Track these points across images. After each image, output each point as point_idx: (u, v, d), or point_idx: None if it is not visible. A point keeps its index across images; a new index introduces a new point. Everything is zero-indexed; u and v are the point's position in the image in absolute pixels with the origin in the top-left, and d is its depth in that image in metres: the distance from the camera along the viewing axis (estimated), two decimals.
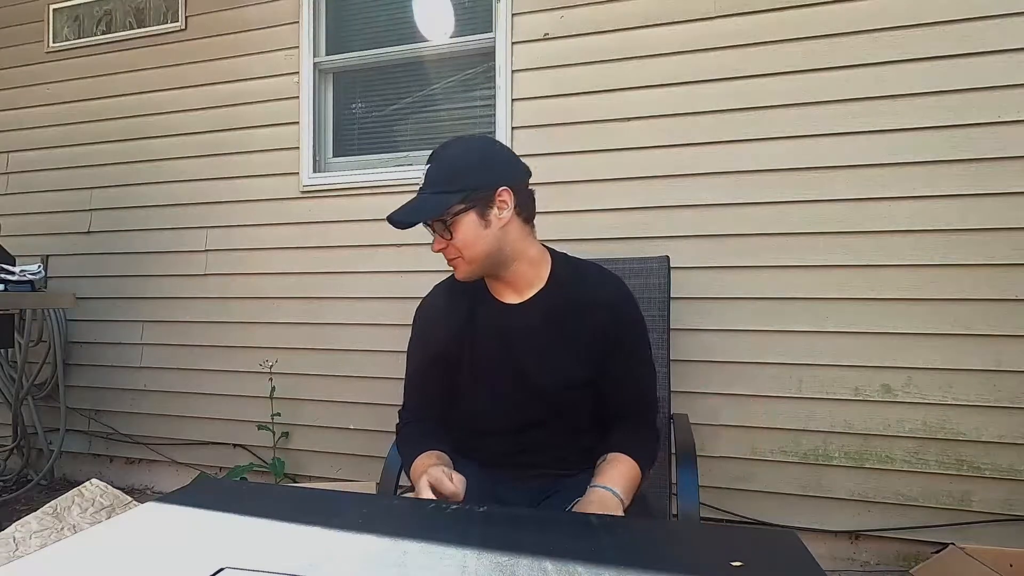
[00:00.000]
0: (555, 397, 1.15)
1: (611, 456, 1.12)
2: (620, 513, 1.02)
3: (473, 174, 1.10)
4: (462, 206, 1.09)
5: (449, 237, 1.11)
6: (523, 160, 1.20)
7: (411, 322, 1.32)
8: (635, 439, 1.15)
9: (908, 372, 1.87)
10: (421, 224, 1.13)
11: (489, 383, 1.19)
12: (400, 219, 1.10)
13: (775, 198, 1.97)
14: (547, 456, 1.19)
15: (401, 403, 1.30)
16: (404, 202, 1.13)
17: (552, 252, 1.23)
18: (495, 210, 1.11)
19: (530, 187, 1.19)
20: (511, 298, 1.20)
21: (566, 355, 1.15)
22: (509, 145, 2.23)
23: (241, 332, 2.61)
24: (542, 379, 1.15)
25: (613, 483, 1.06)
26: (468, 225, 1.10)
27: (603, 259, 1.63)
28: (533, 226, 1.21)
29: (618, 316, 1.16)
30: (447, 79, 2.45)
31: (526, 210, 1.17)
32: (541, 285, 1.19)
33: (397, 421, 1.28)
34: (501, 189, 1.11)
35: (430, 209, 1.09)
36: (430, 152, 1.16)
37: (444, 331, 1.22)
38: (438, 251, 1.14)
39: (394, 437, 1.33)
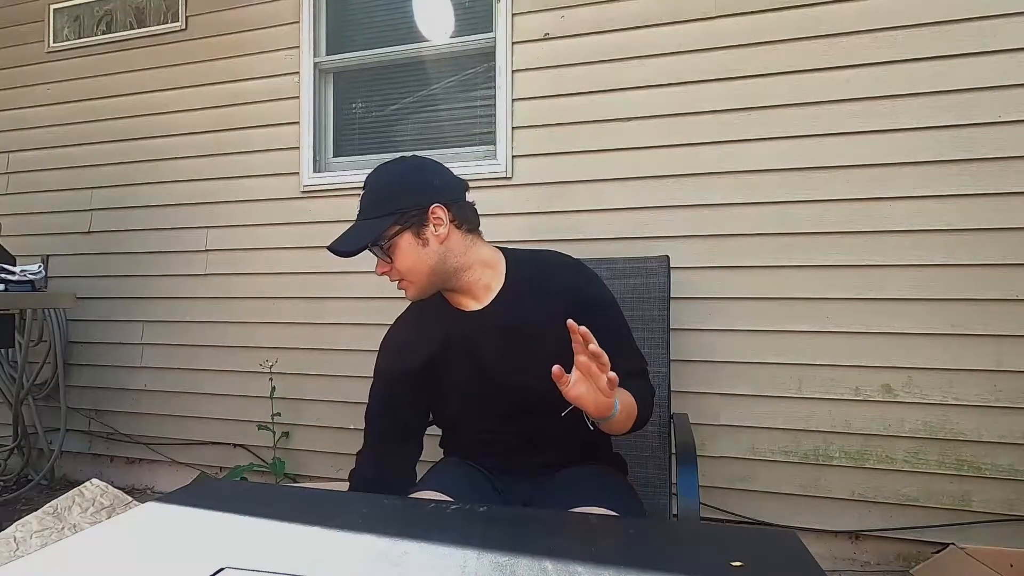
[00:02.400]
0: (532, 394, 1.11)
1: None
2: (607, 408, 0.96)
3: (403, 196, 1.13)
4: (396, 228, 1.11)
5: (390, 261, 1.14)
6: (457, 175, 1.22)
7: None
8: (638, 388, 1.12)
9: (908, 372, 1.87)
10: (368, 251, 1.15)
11: (462, 391, 1.19)
12: (339, 248, 1.13)
13: (775, 198, 1.97)
14: (554, 449, 1.18)
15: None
16: None
17: (504, 251, 1.23)
18: (431, 228, 1.13)
19: (467, 200, 1.21)
20: (472, 305, 1.20)
21: (534, 350, 1.13)
22: (510, 145, 2.24)
23: (241, 332, 2.61)
24: (514, 380, 1.14)
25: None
26: (405, 246, 1.13)
27: (603, 259, 1.65)
28: (479, 233, 1.22)
29: (579, 299, 1.14)
30: (447, 79, 2.45)
31: (466, 221, 1.18)
32: (499, 287, 1.19)
33: (352, 468, 1.23)
34: (433, 206, 1.13)
35: (365, 235, 1.12)
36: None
37: (414, 357, 1.22)
38: (382, 274, 1.17)
39: None
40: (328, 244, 1.15)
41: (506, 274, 1.19)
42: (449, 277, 1.17)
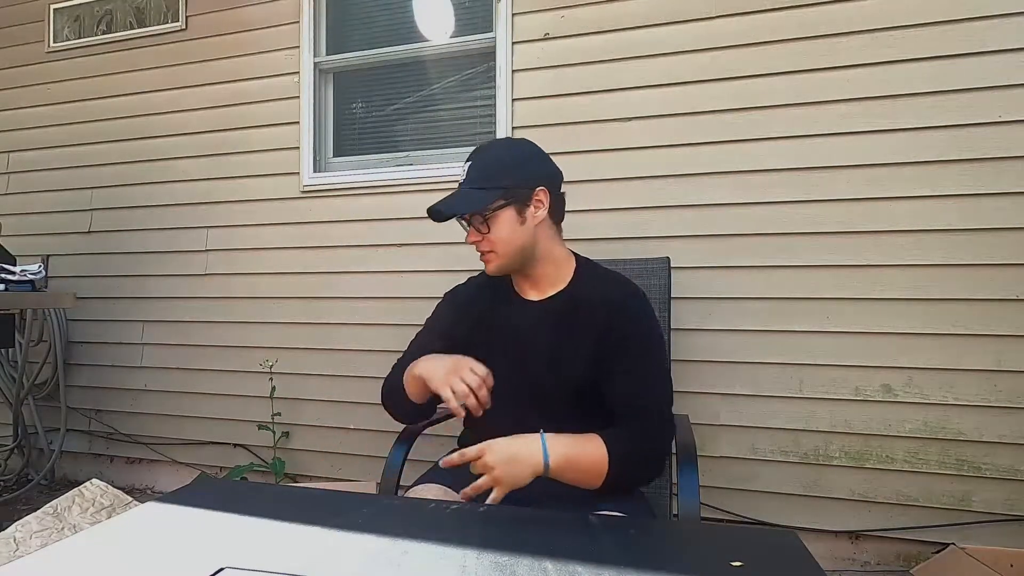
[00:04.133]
0: (558, 398, 1.16)
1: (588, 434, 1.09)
2: (533, 461, 1.01)
3: (513, 173, 1.17)
4: (501, 202, 1.15)
5: (486, 231, 1.17)
6: (557, 166, 1.26)
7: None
8: (617, 434, 1.09)
9: (909, 372, 1.87)
10: (455, 218, 1.19)
11: (494, 373, 1.20)
12: (442, 209, 1.17)
13: (775, 198, 1.97)
14: None
15: None
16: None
17: (577, 256, 1.28)
18: (531, 208, 1.18)
19: (562, 191, 1.25)
20: (532, 296, 1.24)
21: (571, 355, 1.16)
22: None
23: (241, 332, 2.61)
24: (546, 378, 1.17)
25: (555, 439, 1.03)
26: (505, 221, 1.16)
27: (604, 260, 1.63)
28: (561, 228, 1.26)
29: (623, 314, 1.17)
30: (447, 79, 2.45)
31: (558, 213, 1.24)
32: (563, 286, 1.23)
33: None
34: (539, 189, 1.18)
35: (473, 203, 1.15)
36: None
37: (463, 319, 1.29)
38: (472, 243, 1.20)
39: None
40: (430, 206, 1.17)
41: (572, 277, 1.23)
42: (529, 261, 1.21)
